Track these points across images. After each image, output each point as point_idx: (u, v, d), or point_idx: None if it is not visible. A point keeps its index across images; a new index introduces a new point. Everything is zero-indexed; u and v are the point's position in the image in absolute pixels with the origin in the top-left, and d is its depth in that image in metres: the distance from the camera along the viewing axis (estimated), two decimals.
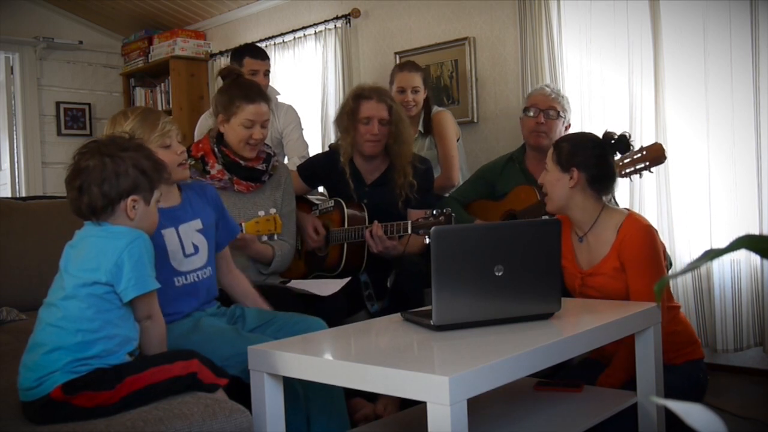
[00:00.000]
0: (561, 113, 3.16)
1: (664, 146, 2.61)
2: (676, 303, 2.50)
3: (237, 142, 2.69)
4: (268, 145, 2.90)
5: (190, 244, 2.18)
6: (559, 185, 2.37)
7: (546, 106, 3.15)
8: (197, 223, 2.21)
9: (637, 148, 2.59)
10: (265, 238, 2.62)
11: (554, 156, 2.38)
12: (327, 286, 2.74)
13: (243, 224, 2.57)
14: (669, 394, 2.16)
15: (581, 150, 2.37)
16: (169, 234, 2.13)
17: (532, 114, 3.16)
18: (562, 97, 3.22)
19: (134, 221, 1.76)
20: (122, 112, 2.16)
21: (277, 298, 2.54)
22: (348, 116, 3.06)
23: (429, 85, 3.82)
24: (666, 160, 2.64)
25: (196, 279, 2.18)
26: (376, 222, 2.85)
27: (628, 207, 3.22)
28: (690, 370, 2.38)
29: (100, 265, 1.68)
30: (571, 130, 3.31)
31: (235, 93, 2.68)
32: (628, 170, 2.60)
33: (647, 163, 2.56)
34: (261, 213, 2.63)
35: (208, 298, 2.24)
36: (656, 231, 2.36)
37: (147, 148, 1.84)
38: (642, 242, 2.29)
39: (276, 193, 2.85)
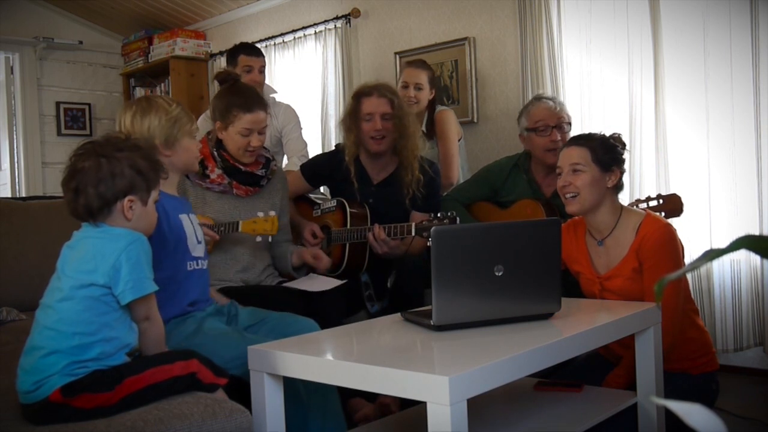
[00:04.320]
0: (570, 122, 3.06)
1: (682, 199, 2.59)
2: (694, 306, 2.44)
3: (236, 149, 2.70)
4: (266, 149, 2.92)
5: (199, 232, 2.23)
6: (597, 186, 2.30)
7: (556, 122, 3.00)
8: (196, 217, 2.27)
9: (649, 184, 2.59)
10: (259, 238, 2.64)
11: (591, 156, 2.31)
12: (317, 283, 2.75)
13: (240, 222, 2.61)
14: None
15: (612, 149, 2.35)
16: (184, 219, 2.18)
17: (543, 133, 3.01)
18: (562, 102, 3.13)
19: (131, 222, 1.76)
20: (159, 97, 2.22)
21: (276, 297, 2.54)
22: (350, 115, 3.06)
23: (435, 86, 3.81)
24: (683, 213, 2.61)
25: (201, 266, 2.21)
26: (377, 225, 2.84)
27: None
28: (704, 382, 2.35)
29: (97, 266, 1.68)
30: (571, 130, 3.30)
31: (232, 101, 2.67)
32: None
33: (663, 214, 2.55)
34: (260, 214, 2.64)
35: (205, 295, 2.25)
36: (675, 230, 2.32)
37: (143, 148, 1.84)
38: (661, 241, 2.25)
39: (274, 197, 2.85)
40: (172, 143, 2.13)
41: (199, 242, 2.21)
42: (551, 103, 3.05)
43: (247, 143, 2.67)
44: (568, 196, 2.34)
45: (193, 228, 2.20)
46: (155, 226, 1.87)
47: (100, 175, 1.71)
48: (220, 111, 2.70)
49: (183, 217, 2.17)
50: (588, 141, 2.36)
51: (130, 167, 1.74)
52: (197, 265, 2.19)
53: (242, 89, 2.76)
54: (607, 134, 2.42)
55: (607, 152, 2.33)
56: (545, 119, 3.01)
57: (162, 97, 2.21)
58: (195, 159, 2.25)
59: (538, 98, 3.14)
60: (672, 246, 2.27)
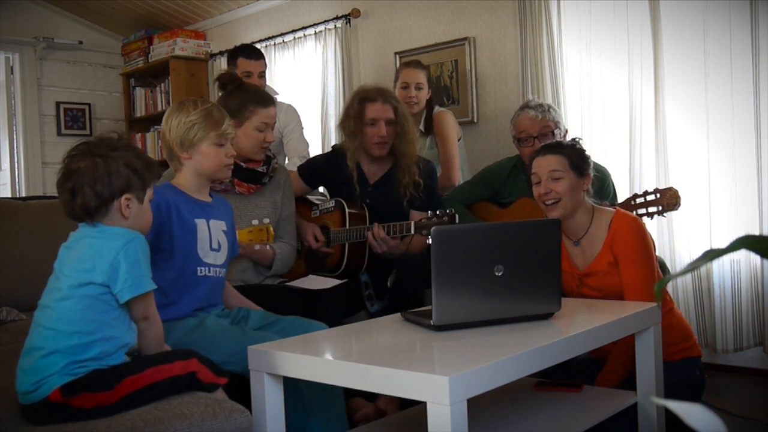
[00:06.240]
0: (555, 129, 3.00)
1: (679, 192, 2.61)
2: (670, 298, 2.51)
3: (251, 146, 2.69)
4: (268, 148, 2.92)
5: (216, 240, 2.23)
6: (576, 190, 2.39)
7: (537, 131, 2.98)
8: (223, 224, 2.27)
9: (649, 184, 2.60)
10: (257, 247, 2.64)
11: (568, 162, 2.39)
12: (316, 282, 2.74)
13: (237, 232, 2.57)
14: (665, 390, 2.17)
15: (582, 154, 2.44)
16: (201, 224, 2.19)
17: (526, 143, 3.00)
18: (550, 109, 3.05)
19: (129, 220, 1.76)
20: (192, 101, 2.23)
21: (277, 297, 2.54)
22: (354, 119, 3.05)
23: (432, 85, 3.82)
24: (680, 208, 2.63)
25: (214, 274, 2.21)
26: (376, 224, 2.84)
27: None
28: (686, 368, 2.40)
29: (95, 265, 1.68)
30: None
31: (247, 97, 2.70)
32: (639, 212, 2.61)
33: (660, 208, 2.57)
34: (255, 222, 2.64)
35: (216, 300, 2.26)
36: (644, 224, 2.40)
37: (136, 147, 1.87)
38: (633, 234, 2.34)
39: (276, 195, 2.85)
40: (188, 147, 2.18)
41: (215, 249, 2.21)
42: (533, 112, 3.02)
43: (263, 139, 2.70)
44: (548, 202, 2.41)
45: (208, 233, 2.20)
46: (151, 224, 1.87)
47: (96, 175, 1.72)
48: (233, 109, 2.66)
49: (200, 221, 2.18)
50: (562, 149, 2.44)
51: (125, 166, 1.75)
52: (209, 272, 2.19)
53: (253, 87, 2.83)
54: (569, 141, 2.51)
55: (579, 158, 2.42)
56: (527, 129, 3.02)
57: (197, 101, 2.22)
58: (219, 166, 2.23)
59: (524, 107, 3.10)
60: (642, 239, 2.36)
